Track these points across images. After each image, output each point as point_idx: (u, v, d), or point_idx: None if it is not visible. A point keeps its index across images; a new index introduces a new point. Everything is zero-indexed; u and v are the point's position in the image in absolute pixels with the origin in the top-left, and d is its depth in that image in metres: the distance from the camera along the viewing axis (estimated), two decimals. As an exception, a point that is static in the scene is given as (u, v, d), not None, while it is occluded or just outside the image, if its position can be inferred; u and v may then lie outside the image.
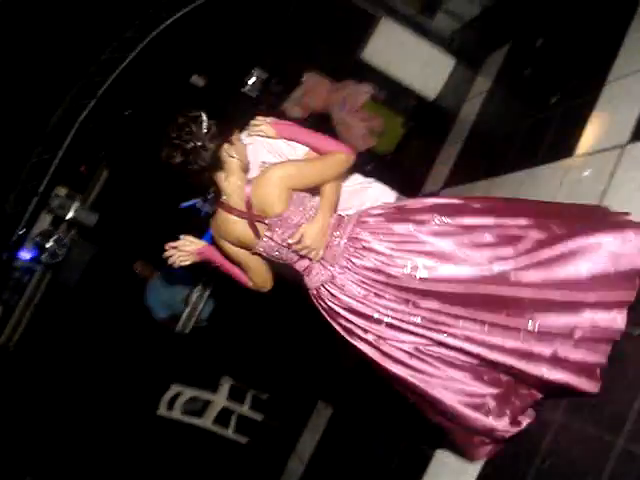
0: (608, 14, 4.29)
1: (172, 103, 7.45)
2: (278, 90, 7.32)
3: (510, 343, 2.46)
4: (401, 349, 2.61)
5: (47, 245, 7.10)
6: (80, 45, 6.48)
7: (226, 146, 2.62)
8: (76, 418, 7.43)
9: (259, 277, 2.87)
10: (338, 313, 2.69)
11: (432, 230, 2.57)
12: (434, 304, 2.52)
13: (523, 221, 2.53)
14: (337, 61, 7.21)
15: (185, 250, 2.82)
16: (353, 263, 2.63)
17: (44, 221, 7.28)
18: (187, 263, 2.85)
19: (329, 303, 2.71)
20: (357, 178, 3.35)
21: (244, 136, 2.88)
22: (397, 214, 2.66)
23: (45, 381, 7.53)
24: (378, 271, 2.58)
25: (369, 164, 7.36)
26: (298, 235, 2.61)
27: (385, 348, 2.63)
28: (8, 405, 7.31)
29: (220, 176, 2.68)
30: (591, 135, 3.73)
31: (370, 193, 3.29)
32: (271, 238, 2.67)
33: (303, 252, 2.66)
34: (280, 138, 2.90)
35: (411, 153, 6.81)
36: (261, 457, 6.63)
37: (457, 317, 2.49)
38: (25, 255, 7.30)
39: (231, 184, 2.68)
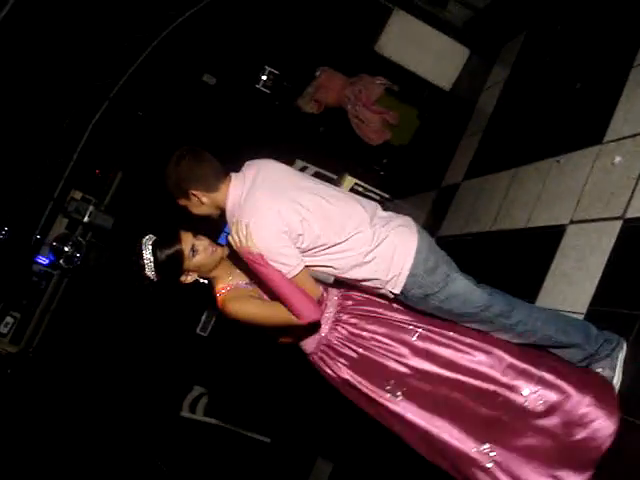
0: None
1: (184, 102, 7.41)
2: (291, 86, 7.26)
3: None
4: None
5: (64, 249, 7.05)
6: (91, 47, 6.42)
7: (182, 278, 2.67)
8: (98, 422, 7.40)
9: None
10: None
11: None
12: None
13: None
14: (350, 54, 7.13)
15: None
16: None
17: (60, 226, 7.25)
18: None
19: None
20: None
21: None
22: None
23: (66, 386, 7.49)
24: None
25: (385, 158, 7.31)
26: None
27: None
28: (28, 411, 7.28)
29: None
30: (621, 120, 3.65)
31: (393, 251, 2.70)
32: None
33: None
34: (245, 258, 2.55)
35: (428, 145, 6.74)
36: (286, 455, 6.60)
37: None
38: (42, 260, 7.26)
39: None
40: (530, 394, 2.59)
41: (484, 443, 2.62)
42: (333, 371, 2.74)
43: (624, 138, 3.52)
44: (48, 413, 7.34)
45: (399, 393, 2.66)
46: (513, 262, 4.12)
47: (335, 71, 6.99)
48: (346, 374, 2.72)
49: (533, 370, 2.62)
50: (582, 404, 2.56)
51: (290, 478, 6.20)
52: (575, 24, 4.86)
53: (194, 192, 2.62)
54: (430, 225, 5.75)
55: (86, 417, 7.39)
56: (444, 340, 2.69)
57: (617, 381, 2.70)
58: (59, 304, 7.78)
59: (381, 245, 2.63)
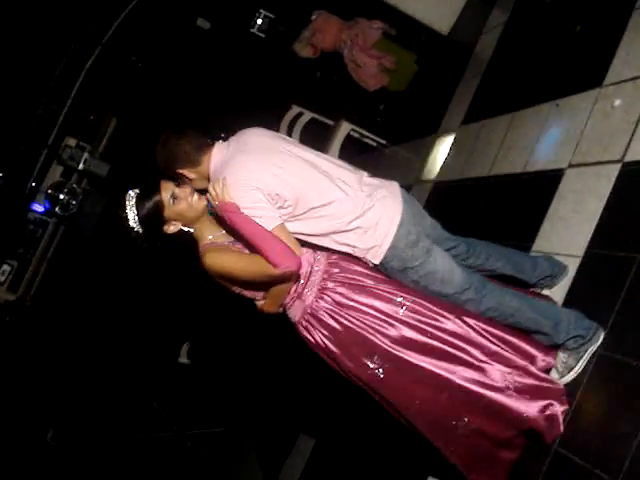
0: None
1: (179, 47, 7.30)
2: (287, 30, 7.14)
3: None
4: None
5: (60, 197, 7.02)
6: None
7: (165, 228, 2.71)
8: (96, 369, 7.49)
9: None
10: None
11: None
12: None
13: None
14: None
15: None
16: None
17: (55, 173, 7.21)
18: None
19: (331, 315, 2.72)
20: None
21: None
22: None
23: (64, 334, 7.54)
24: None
25: (382, 103, 7.24)
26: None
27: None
28: (28, 359, 7.35)
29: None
30: (621, 63, 3.61)
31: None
32: None
33: None
34: (222, 213, 2.59)
35: (425, 90, 6.66)
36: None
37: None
38: (38, 208, 7.24)
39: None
40: (503, 374, 2.71)
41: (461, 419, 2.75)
42: (316, 341, 2.72)
43: (624, 81, 3.50)
44: (47, 360, 7.42)
45: (381, 370, 2.67)
46: (511, 206, 4.12)
47: (331, 14, 6.86)
48: (329, 345, 2.70)
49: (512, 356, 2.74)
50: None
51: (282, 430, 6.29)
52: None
53: (181, 171, 2.71)
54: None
55: (85, 364, 7.47)
56: (430, 314, 2.69)
57: (575, 372, 2.79)
58: (55, 252, 7.78)
59: (365, 215, 2.67)
